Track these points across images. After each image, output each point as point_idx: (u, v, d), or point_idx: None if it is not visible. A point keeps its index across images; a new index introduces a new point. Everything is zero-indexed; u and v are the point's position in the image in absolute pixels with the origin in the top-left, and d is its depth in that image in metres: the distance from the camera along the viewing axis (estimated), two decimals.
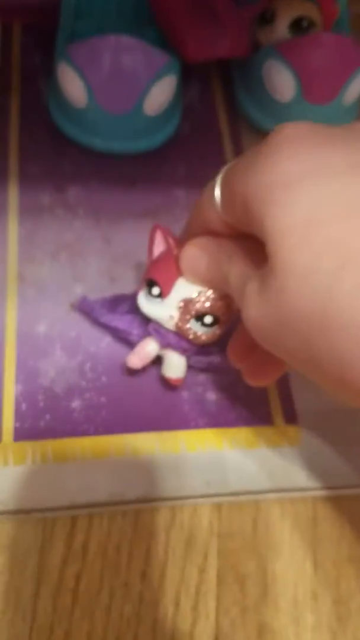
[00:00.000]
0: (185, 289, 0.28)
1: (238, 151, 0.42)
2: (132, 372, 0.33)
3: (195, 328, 0.29)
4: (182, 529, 0.31)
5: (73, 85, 0.37)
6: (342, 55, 0.39)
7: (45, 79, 0.42)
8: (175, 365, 0.32)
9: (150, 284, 0.29)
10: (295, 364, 0.22)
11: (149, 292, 0.29)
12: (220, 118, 0.43)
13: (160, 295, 0.29)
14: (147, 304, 0.30)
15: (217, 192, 0.24)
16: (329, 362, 0.20)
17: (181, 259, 0.28)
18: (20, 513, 0.30)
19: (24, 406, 0.32)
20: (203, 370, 0.34)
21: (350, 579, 0.31)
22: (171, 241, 0.29)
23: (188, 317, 0.28)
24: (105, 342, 0.34)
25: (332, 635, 0.29)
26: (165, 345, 0.31)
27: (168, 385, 0.33)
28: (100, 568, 0.29)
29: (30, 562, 0.29)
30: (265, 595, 0.30)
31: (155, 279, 0.29)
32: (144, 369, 0.32)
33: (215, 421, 0.33)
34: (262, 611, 0.30)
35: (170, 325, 0.29)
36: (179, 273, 0.28)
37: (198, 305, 0.28)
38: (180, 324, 0.29)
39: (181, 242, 0.29)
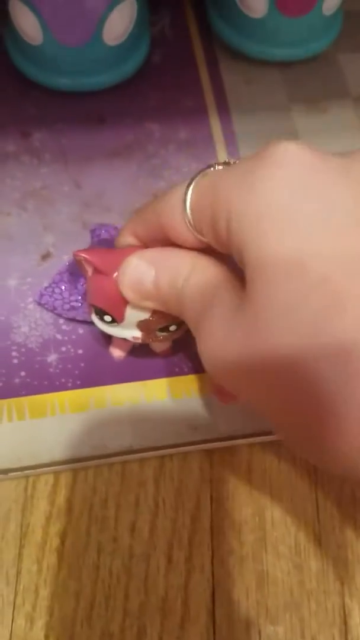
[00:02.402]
0: (138, 312, 0.25)
1: (215, 75, 0.39)
2: None
3: (163, 335, 0.26)
4: (171, 478, 0.29)
5: (26, 21, 0.34)
6: None
7: (3, 23, 0.40)
8: (159, 344, 0.30)
9: (100, 312, 0.26)
10: (251, 404, 0.20)
11: (102, 319, 0.26)
12: (194, 43, 0.40)
13: (115, 321, 0.26)
14: (106, 327, 0.27)
15: (189, 203, 0.21)
16: (298, 420, 0.18)
17: (122, 274, 0.24)
18: None
19: None
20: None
21: (357, 521, 0.29)
22: (103, 263, 0.25)
23: (152, 332, 0.26)
24: None
25: (339, 582, 0.27)
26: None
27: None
28: (86, 524, 0.28)
29: (12, 523, 0.28)
30: (263, 542, 0.28)
31: (102, 308, 0.26)
32: None
33: (200, 366, 0.30)
34: (261, 560, 0.28)
35: (137, 342, 0.27)
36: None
37: (158, 323, 0.25)
38: (146, 339, 0.26)
39: (117, 252, 0.25)
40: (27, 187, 0.34)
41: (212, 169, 0.22)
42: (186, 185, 0.22)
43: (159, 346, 0.30)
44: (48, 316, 0.31)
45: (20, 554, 0.27)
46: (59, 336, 0.31)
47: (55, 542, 0.27)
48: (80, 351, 0.31)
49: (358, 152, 0.19)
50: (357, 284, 0.17)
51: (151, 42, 0.39)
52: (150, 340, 0.26)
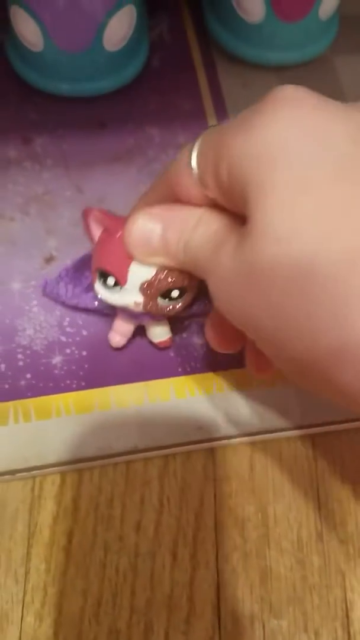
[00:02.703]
0: (142, 272, 0.25)
1: (213, 79, 0.40)
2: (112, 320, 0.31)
3: (164, 304, 0.27)
4: (175, 477, 0.29)
5: (27, 28, 0.35)
6: None
7: (5, 29, 0.40)
8: (159, 331, 0.30)
9: (103, 274, 0.26)
10: (260, 337, 0.21)
11: (104, 283, 0.26)
12: (192, 47, 0.41)
13: (117, 284, 0.26)
14: (108, 295, 0.27)
15: (195, 156, 0.22)
16: (297, 335, 0.18)
17: (127, 232, 0.24)
18: (5, 474, 0.29)
19: (3, 367, 0.31)
20: (186, 319, 0.32)
21: (357, 516, 0.29)
22: (110, 222, 0.26)
23: (154, 297, 0.26)
24: None
25: (340, 576, 0.28)
26: (140, 322, 0.29)
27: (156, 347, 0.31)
28: (92, 523, 0.28)
29: (20, 523, 0.28)
30: (267, 538, 0.29)
31: (106, 269, 0.26)
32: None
33: (203, 366, 0.31)
34: (265, 555, 0.28)
35: (139, 309, 0.27)
36: (129, 255, 0.25)
37: (160, 284, 0.25)
38: (148, 306, 0.26)
39: (126, 217, 0.26)
40: (29, 192, 0.35)
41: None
42: (193, 144, 0.22)
43: (158, 335, 0.31)
44: (52, 318, 0.32)
45: (28, 553, 0.28)
46: (63, 338, 0.31)
47: (62, 541, 0.28)
48: (84, 353, 0.31)
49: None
50: (353, 215, 0.17)
51: (150, 46, 0.39)
52: (152, 308, 0.27)
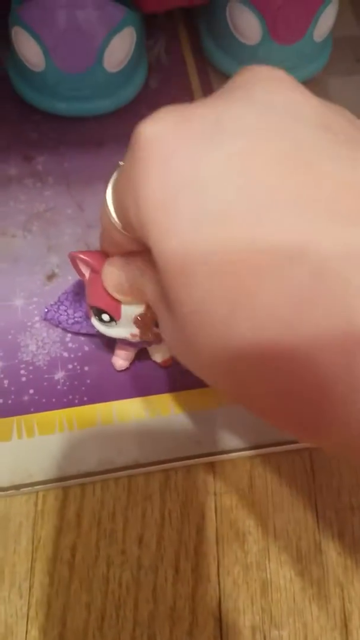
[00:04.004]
0: (132, 307, 0.26)
1: None
2: (114, 341, 0.32)
3: (159, 331, 0.27)
4: (176, 491, 0.30)
5: (28, 48, 0.35)
6: None
7: (6, 48, 0.41)
8: (160, 351, 0.31)
9: (98, 312, 0.27)
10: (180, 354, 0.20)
11: (100, 319, 0.27)
12: (189, 69, 0.42)
13: (113, 320, 0.27)
14: (105, 329, 0.27)
15: (110, 200, 0.20)
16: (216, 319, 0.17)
17: (103, 280, 0.24)
18: (9, 489, 0.29)
19: (6, 382, 0.31)
20: None
21: (354, 528, 0.30)
22: (95, 262, 0.26)
23: (148, 327, 0.27)
24: None
25: (339, 587, 0.29)
26: (141, 346, 0.30)
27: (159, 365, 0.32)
28: (95, 537, 0.29)
29: (23, 538, 0.29)
30: (267, 551, 0.29)
31: (100, 307, 0.26)
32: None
33: (202, 381, 0.32)
34: (265, 568, 0.29)
35: (136, 339, 0.27)
36: None
37: (152, 315, 0.26)
38: (144, 336, 0.27)
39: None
40: (31, 209, 0.35)
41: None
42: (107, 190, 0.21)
43: (159, 356, 0.31)
44: (55, 335, 0.32)
45: (32, 568, 0.28)
46: (65, 354, 0.32)
47: (66, 555, 0.28)
48: (86, 368, 0.32)
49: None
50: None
51: (148, 67, 0.40)
52: (148, 336, 0.27)
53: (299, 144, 0.16)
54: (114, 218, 0.20)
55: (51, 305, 0.32)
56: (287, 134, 0.16)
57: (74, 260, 0.27)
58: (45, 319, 0.32)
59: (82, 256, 0.26)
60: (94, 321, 0.28)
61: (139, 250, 0.21)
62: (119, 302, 0.26)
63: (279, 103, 0.17)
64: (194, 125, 0.17)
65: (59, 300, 0.32)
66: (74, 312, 0.32)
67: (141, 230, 0.17)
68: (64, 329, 0.32)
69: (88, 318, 0.31)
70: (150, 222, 0.17)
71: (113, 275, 0.24)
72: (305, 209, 0.15)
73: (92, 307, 0.27)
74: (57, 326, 0.32)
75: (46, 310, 0.32)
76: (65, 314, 0.32)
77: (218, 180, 0.16)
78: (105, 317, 0.26)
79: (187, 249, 0.16)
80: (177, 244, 0.16)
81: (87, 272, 0.27)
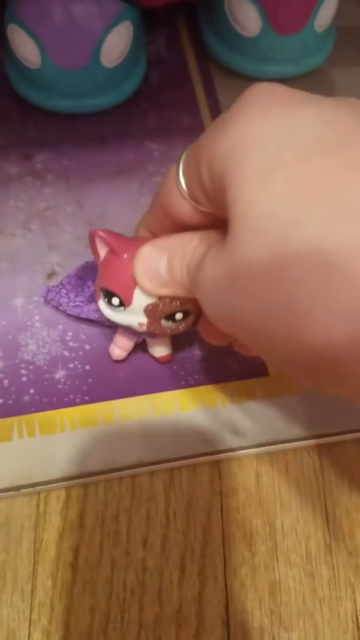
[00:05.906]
0: (146, 295, 0.25)
1: (211, 93, 0.40)
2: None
3: (167, 325, 0.26)
4: (181, 491, 0.29)
5: (24, 46, 0.35)
6: None
7: (3, 46, 0.41)
8: (160, 346, 0.30)
9: (108, 294, 0.26)
10: (250, 338, 0.20)
11: (109, 302, 0.26)
12: (189, 62, 0.41)
13: (122, 305, 0.26)
14: (111, 314, 0.27)
15: (181, 169, 0.22)
16: (283, 326, 0.18)
17: (137, 262, 0.24)
18: (10, 490, 0.28)
19: (6, 382, 0.30)
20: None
21: None
22: (115, 243, 0.25)
23: (158, 319, 0.26)
24: None
25: (350, 588, 0.28)
26: (141, 338, 0.30)
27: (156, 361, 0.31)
28: (99, 539, 0.28)
29: (25, 540, 0.28)
30: (275, 551, 0.28)
31: (111, 290, 0.26)
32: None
33: (206, 378, 0.31)
34: (274, 569, 0.28)
35: (142, 329, 0.27)
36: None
37: (165, 307, 0.25)
38: (151, 327, 0.26)
39: (131, 239, 0.26)
40: (31, 208, 0.35)
41: None
42: (179, 158, 0.22)
43: (159, 351, 0.31)
44: (55, 334, 0.32)
45: (34, 570, 0.27)
46: (66, 353, 0.31)
47: (68, 557, 0.28)
48: (87, 367, 0.31)
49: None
50: (324, 187, 0.17)
51: (148, 62, 0.39)
52: (155, 329, 0.26)
53: None
54: (182, 186, 0.22)
55: (53, 286, 0.32)
56: None
57: (92, 237, 0.26)
58: (45, 299, 0.32)
59: (101, 234, 0.25)
60: (102, 304, 0.27)
61: (192, 226, 0.23)
62: (133, 285, 0.25)
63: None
64: (297, 95, 0.20)
65: (61, 283, 0.32)
66: (76, 296, 0.31)
67: (221, 180, 0.19)
68: (64, 312, 0.32)
69: (89, 303, 0.30)
70: (234, 165, 0.18)
71: (151, 259, 0.24)
72: None
73: (102, 289, 0.26)
74: (56, 308, 0.32)
75: (47, 290, 0.32)
76: (67, 297, 0.31)
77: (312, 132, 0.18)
78: (115, 300, 0.26)
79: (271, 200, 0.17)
80: (258, 193, 0.18)
81: (102, 253, 0.27)
